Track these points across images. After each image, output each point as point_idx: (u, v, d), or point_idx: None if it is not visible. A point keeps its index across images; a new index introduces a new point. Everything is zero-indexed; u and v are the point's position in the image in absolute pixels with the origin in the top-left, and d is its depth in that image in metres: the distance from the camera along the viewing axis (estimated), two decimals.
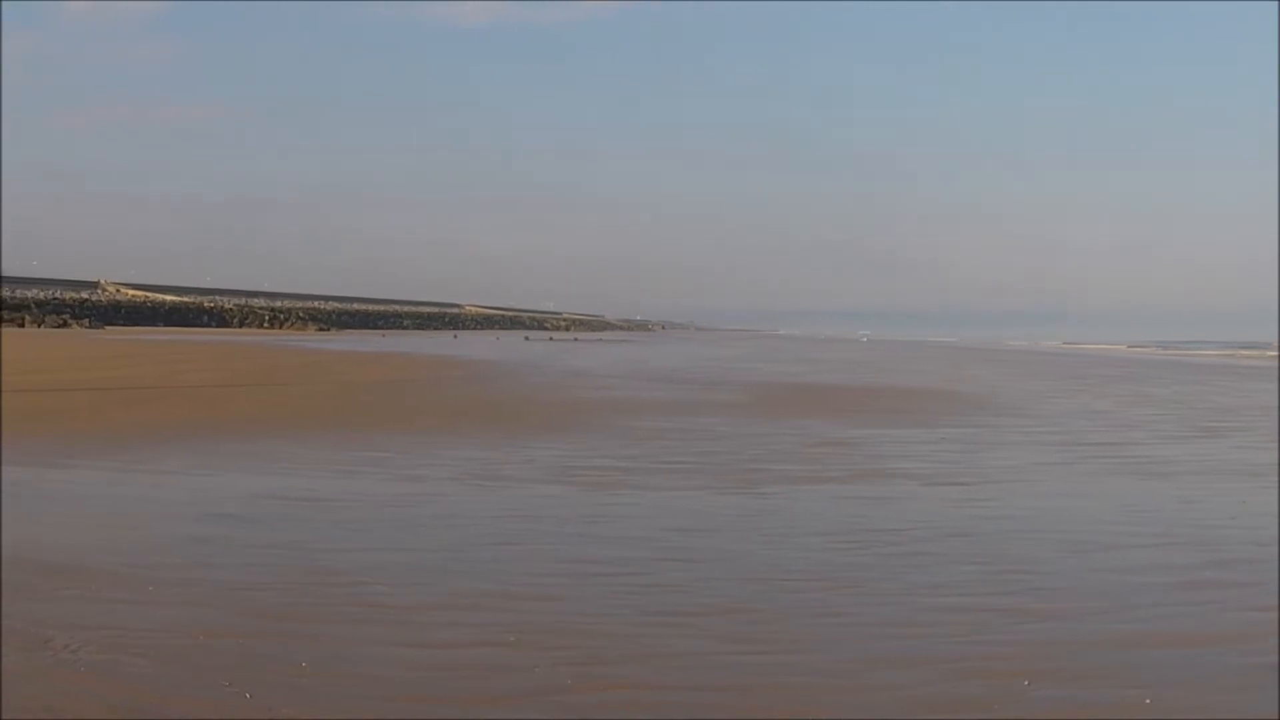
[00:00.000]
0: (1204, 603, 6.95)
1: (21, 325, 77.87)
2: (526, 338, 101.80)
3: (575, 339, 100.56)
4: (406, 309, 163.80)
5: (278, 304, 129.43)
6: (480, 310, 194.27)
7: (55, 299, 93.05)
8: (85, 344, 49.35)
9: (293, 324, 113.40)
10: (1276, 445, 17.19)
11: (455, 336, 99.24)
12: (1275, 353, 76.32)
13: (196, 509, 9.79)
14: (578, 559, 7.97)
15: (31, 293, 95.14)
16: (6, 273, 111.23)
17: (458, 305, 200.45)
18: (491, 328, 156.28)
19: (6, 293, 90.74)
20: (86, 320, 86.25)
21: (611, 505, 10.38)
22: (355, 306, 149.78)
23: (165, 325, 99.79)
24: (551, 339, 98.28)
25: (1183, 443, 17.40)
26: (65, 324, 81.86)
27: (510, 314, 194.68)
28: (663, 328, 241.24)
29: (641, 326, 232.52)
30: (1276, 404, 27.13)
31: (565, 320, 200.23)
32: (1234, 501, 11.24)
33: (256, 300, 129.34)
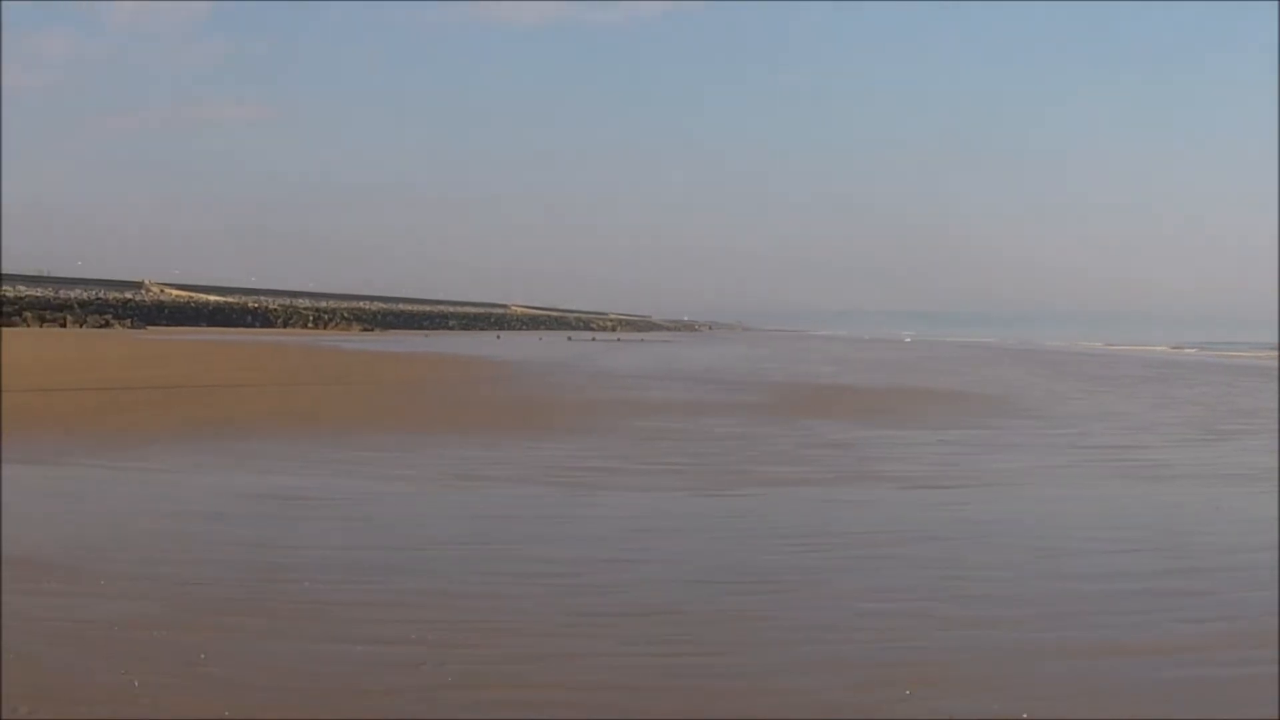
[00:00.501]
0: (1154, 611, 6.89)
1: (64, 325, 78.77)
2: (569, 338, 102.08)
3: (618, 339, 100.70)
4: (452, 309, 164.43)
5: (322, 304, 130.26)
6: (526, 310, 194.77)
7: (99, 299, 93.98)
8: (119, 344, 49.93)
9: (337, 324, 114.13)
10: (1278, 448, 17.10)
11: (498, 337, 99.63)
12: None
13: (174, 507, 9.97)
14: (529, 558, 8.06)
15: (75, 293, 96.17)
16: (52, 273, 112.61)
17: (503, 305, 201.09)
18: (537, 328, 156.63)
19: (50, 293, 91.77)
20: (129, 320, 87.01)
21: (585, 506, 10.47)
22: (400, 307, 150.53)
23: (209, 325, 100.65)
24: (594, 339, 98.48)
25: (1190, 446, 17.32)
26: (107, 324, 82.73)
27: (556, 314, 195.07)
28: (709, 328, 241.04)
29: (688, 327, 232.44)
30: None
31: (611, 321, 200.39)
32: (1218, 507, 11.15)
33: (301, 300, 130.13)
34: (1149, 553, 8.71)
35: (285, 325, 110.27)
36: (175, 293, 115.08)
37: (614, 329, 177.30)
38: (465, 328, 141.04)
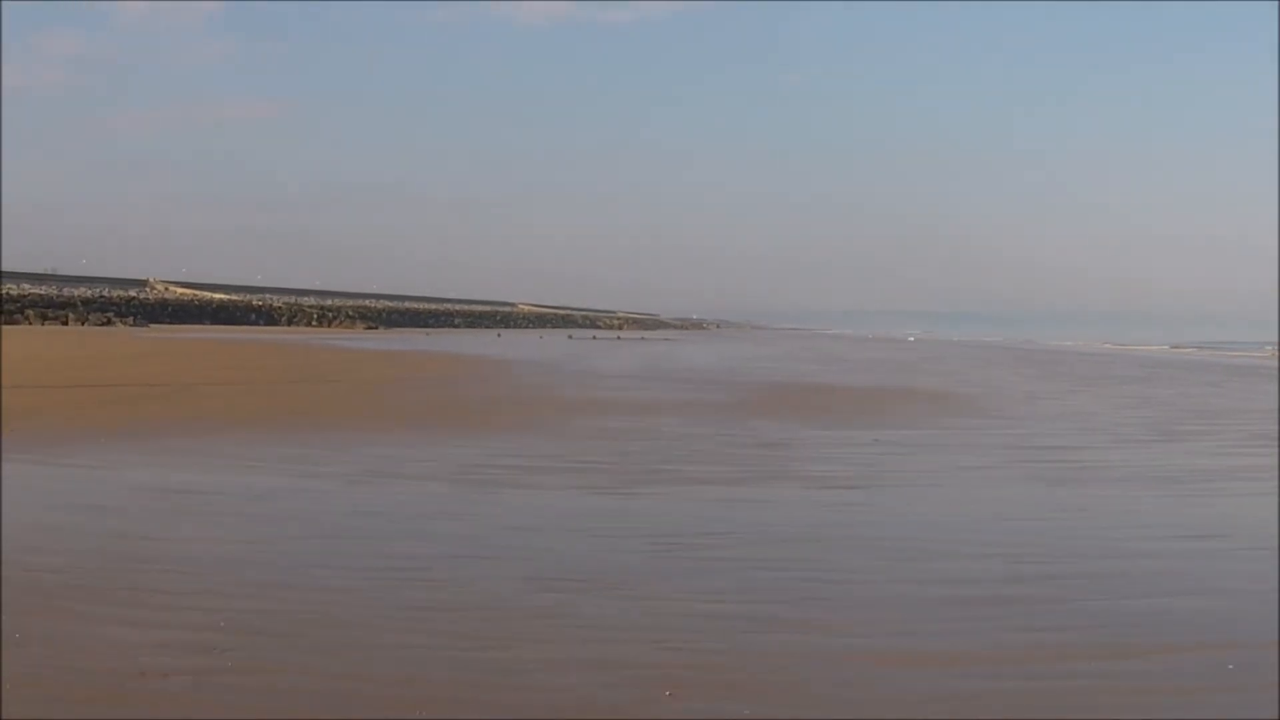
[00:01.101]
0: (986, 619, 6.81)
1: (65, 323, 79.10)
2: (570, 336, 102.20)
3: (619, 338, 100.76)
4: (459, 307, 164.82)
5: (328, 302, 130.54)
6: (533, 309, 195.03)
7: (102, 297, 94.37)
8: (110, 342, 50.19)
9: (341, 322, 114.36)
10: (1236, 448, 17.12)
11: (499, 335, 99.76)
12: None
13: (65, 499, 10.12)
14: (386, 554, 8.20)
15: (80, 291, 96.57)
16: (57, 271, 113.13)
17: (511, 304, 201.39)
18: (544, 326, 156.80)
19: (53, 291, 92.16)
20: (131, 318, 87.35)
21: (476, 504, 10.60)
22: (407, 305, 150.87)
23: (212, 323, 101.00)
24: (595, 338, 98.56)
25: (1134, 447, 17.33)
26: (109, 322, 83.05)
27: (563, 313, 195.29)
28: (717, 327, 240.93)
29: (696, 326, 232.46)
30: (1274, 406, 26.94)
31: (619, 319, 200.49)
32: (1126, 509, 11.20)
33: (306, 299, 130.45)
34: (1015, 558, 8.65)
35: (290, 324, 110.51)
36: (180, 291, 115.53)
37: (620, 327, 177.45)
38: (471, 325, 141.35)
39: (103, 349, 42.56)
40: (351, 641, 5.99)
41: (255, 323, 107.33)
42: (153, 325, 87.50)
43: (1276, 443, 17.97)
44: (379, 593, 7.04)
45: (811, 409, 23.13)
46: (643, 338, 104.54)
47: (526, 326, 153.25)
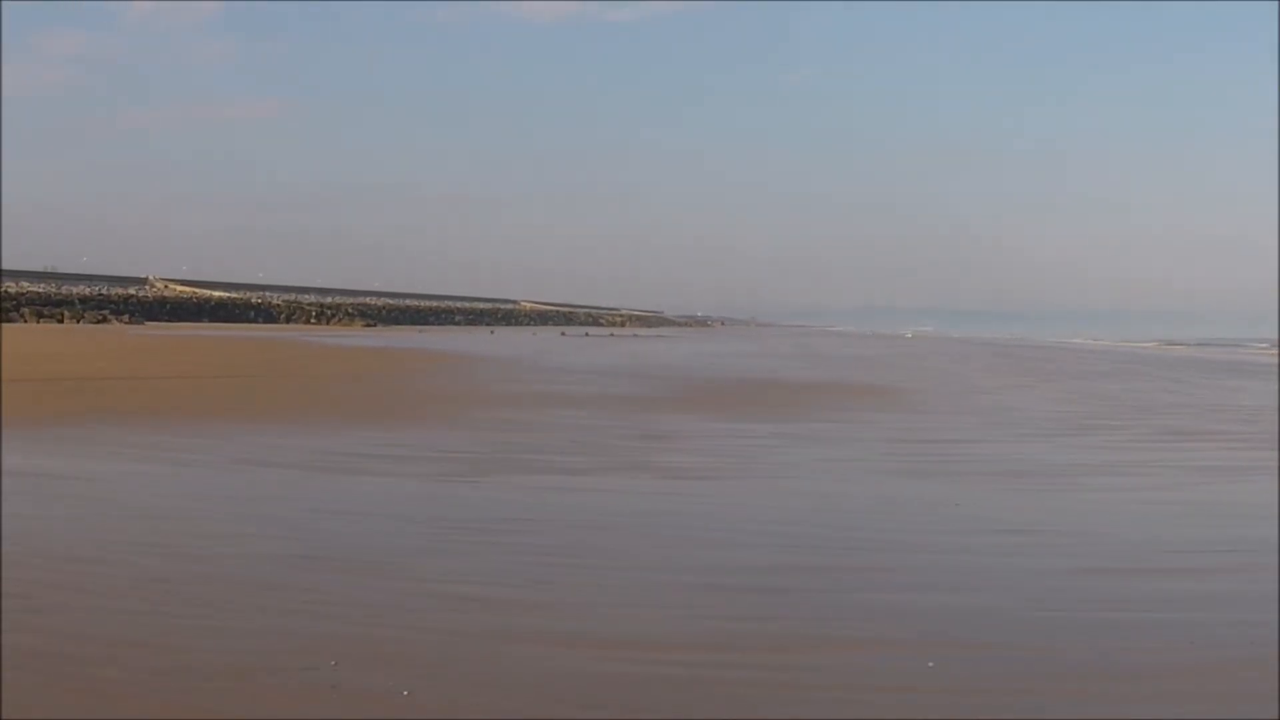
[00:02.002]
0: (711, 608, 6.97)
1: (61, 321, 79.53)
2: (563, 333, 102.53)
3: (612, 334, 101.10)
4: (460, 305, 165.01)
5: (328, 300, 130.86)
6: (535, 306, 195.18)
7: (100, 295, 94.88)
8: (93, 339, 50.66)
9: (340, 320, 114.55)
10: (1134, 443, 17.33)
11: (492, 333, 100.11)
12: None
13: None
14: (185, 532, 8.70)
15: (78, 289, 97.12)
16: (58, 269, 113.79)
17: (513, 301, 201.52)
18: (545, 323, 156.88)
19: (52, 289, 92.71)
20: (127, 316, 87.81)
21: (307, 488, 11.12)
22: (407, 303, 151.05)
23: (211, 321, 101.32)
24: (587, 335, 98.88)
25: (1031, 441, 17.51)
26: (105, 320, 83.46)
27: (566, 310, 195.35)
28: (721, 324, 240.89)
29: (699, 323, 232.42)
30: (1221, 401, 27.31)
31: (621, 317, 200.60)
32: (959, 502, 11.33)
33: (306, 296, 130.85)
34: (797, 549, 8.68)
35: (288, 321, 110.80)
36: (179, 289, 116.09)
37: (622, 324, 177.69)
38: (471, 323, 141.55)
39: (78, 346, 43.02)
40: (93, 607, 6.49)
41: (254, 320, 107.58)
42: (149, 323, 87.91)
43: (1182, 438, 18.21)
44: (147, 567, 7.50)
45: (737, 403, 23.55)
46: (635, 335, 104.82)
47: (527, 324, 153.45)
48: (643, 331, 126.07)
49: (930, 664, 5.91)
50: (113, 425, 16.02)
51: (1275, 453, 15.95)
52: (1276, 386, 34.66)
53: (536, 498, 10.98)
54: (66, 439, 14.38)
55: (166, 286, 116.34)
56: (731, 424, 18.89)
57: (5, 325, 67.76)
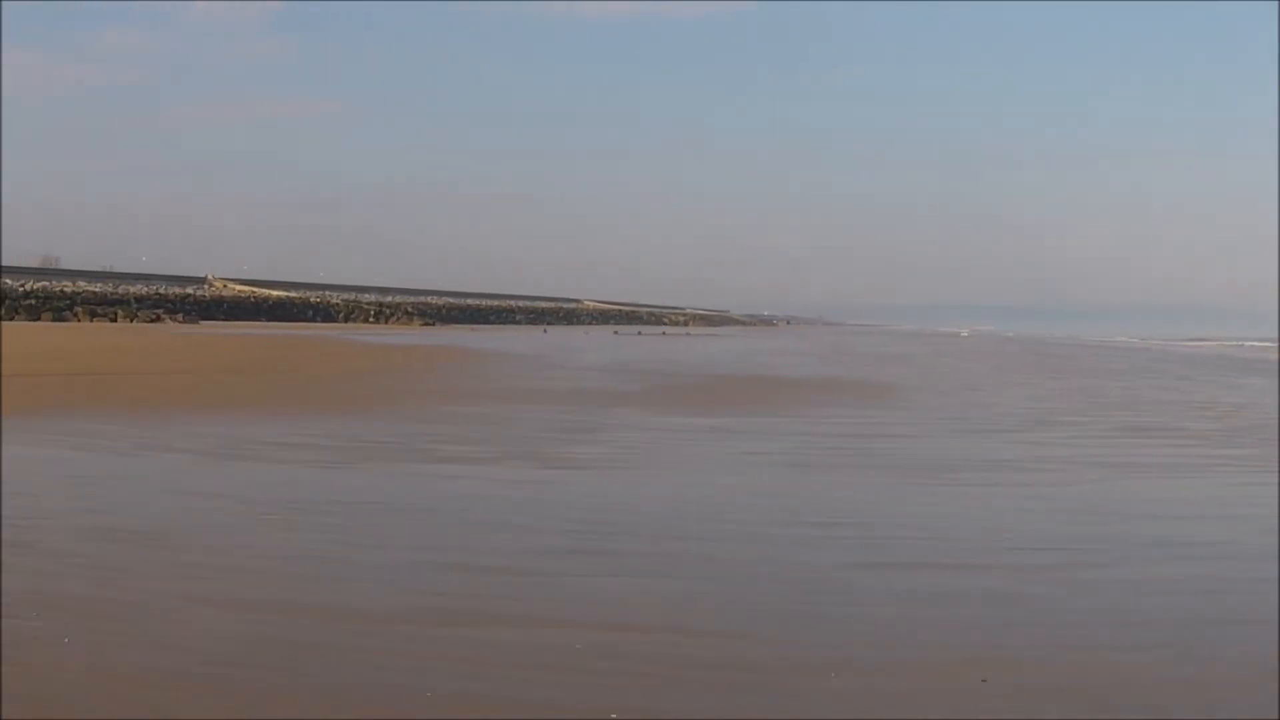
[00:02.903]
0: (398, 584, 7.31)
1: (114, 320, 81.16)
2: (615, 332, 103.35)
3: (664, 333, 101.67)
4: (522, 304, 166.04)
5: (388, 299, 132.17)
6: (598, 305, 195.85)
7: (157, 294, 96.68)
8: (129, 336, 51.96)
9: (398, 319, 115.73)
10: (1080, 440, 17.41)
11: (545, 331, 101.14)
12: None
13: None
14: (35, 510, 9.30)
15: (135, 288, 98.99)
16: (115, 269, 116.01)
17: (577, 300, 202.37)
18: (606, 322, 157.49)
19: (108, 288, 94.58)
20: (180, 316, 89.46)
21: (178, 472, 11.75)
22: (468, 302, 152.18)
23: (268, 320, 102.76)
24: (640, 333, 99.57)
25: (974, 436, 17.48)
26: (158, 319, 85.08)
27: (629, 309, 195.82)
28: (786, 323, 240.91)
29: (765, 322, 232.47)
30: (1210, 398, 27.34)
31: (685, 316, 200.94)
32: (823, 495, 11.48)
33: (367, 296, 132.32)
34: (579, 534, 9.03)
35: (347, 320, 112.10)
36: (238, 288, 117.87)
37: (686, 324, 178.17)
38: (533, 322, 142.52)
39: (95, 342, 44.09)
40: None
41: (312, 319, 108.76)
42: (203, 322, 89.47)
43: (1139, 434, 18.21)
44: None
45: (705, 399, 23.95)
46: (688, 334, 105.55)
47: (589, 323, 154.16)
48: (698, 330, 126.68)
49: (579, 646, 6.10)
50: (65, 416, 16.74)
51: (1224, 450, 15.98)
52: (1277, 383, 34.49)
53: (389, 484, 11.46)
54: (14, 428, 15.04)
55: (225, 286, 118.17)
56: (677, 418, 19.25)
57: (56, 324, 69.41)
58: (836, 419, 19.83)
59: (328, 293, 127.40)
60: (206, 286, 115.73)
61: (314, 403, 20.64)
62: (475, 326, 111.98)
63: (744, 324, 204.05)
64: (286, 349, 43.65)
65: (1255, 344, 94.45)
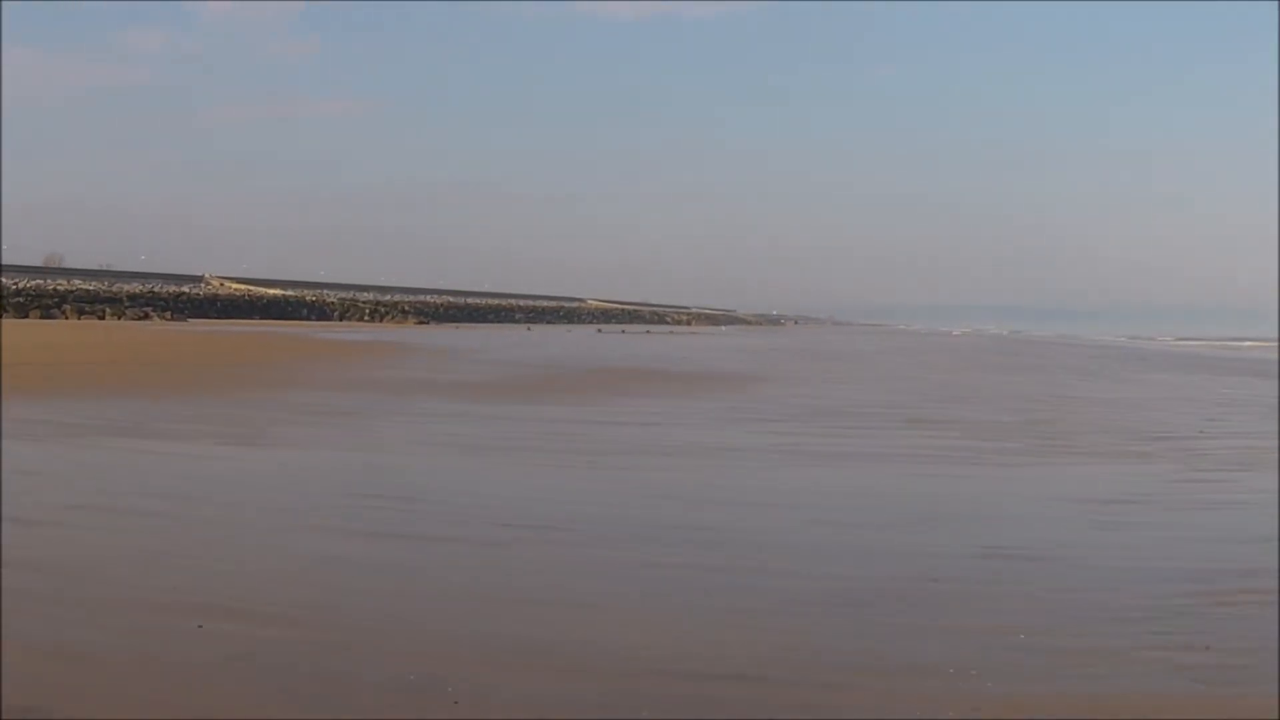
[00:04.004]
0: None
1: (102, 317, 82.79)
2: (599, 330, 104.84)
3: (648, 331, 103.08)
4: (523, 303, 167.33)
5: (387, 298, 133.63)
6: (600, 304, 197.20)
7: (151, 292, 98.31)
8: (97, 333, 53.56)
9: (394, 318, 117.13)
10: (850, 431, 18.51)
11: (529, 330, 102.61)
12: None
13: None
14: None
15: (131, 286, 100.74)
16: (113, 267, 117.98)
17: (579, 299, 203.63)
18: (608, 321, 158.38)
19: (102, 286, 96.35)
20: (169, 314, 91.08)
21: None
22: (469, 301, 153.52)
23: (262, 318, 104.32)
24: (624, 331, 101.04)
25: (758, 426, 18.25)
26: (146, 316, 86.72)
27: (631, 308, 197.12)
28: (795, 322, 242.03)
29: (772, 322, 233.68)
30: (1112, 396, 28.58)
31: (687, 315, 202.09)
32: (519, 476, 12.65)
33: (365, 294, 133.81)
34: (168, 497, 10.32)
35: (342, 319, 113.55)
36: (234, 286, 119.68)
37: (688, 322, 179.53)
38: (532, 320, 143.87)
39: (69, 338, 45.61)
40: None
41: (307, 318, 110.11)
42: (193, 320, 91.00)
43: (917, 426, 19.03)
44: None
45: (544, 389, 25.24)
46: (672, 332, 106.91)
47: (589, 321, 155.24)
48: (693, 329, 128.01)
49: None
50: None
51: (972, 443, 16.38)
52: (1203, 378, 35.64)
53: (71, 453, 13.11)
54: None
55: (222, 284, 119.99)
56: (474, 405, 20.43)
57: (41, 321, 71.23)
58: (623, 409, 20.85)
59: (326, 292, 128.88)
60: (203, 285, 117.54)
61: (163, 387, 22.16)
62: (462, 325, 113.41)
63: (748, 323, 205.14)
64: (232, 344, 45.18)
65: (1251, 343, 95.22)
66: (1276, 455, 14.76)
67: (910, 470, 13.40)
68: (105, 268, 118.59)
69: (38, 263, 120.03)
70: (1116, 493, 11.71)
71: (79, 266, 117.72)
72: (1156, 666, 5.83)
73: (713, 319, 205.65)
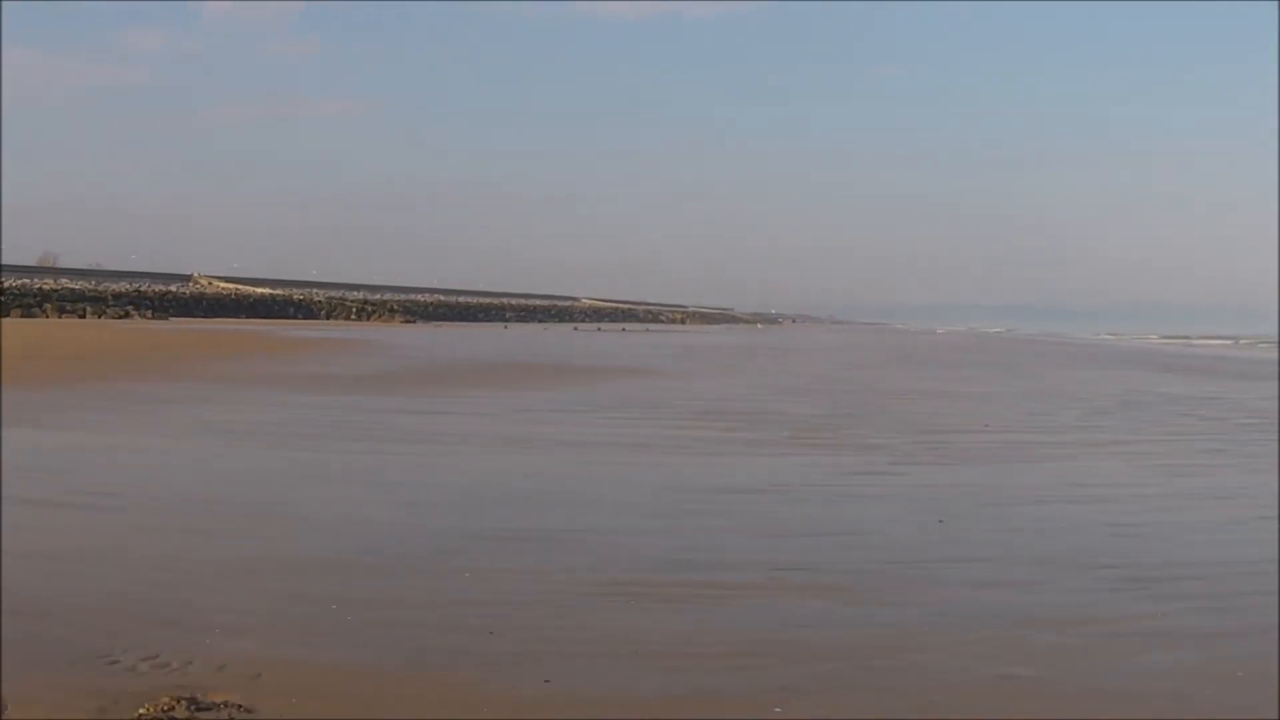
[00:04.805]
0: None
1: (83, 316, 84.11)
2: (575, 329, 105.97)
3: (623, 329, 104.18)
4: (515, 301, 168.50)
5: (376, 297, 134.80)
6: (594, 303, 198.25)
7: (137, 292, 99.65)
8: (60, 330, 54.85)
9: (381, 316, 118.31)
10: (619, 420, 19.97)
11: (506, 328, 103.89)
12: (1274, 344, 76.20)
13: None
14: None
15: (119, 285, 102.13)
16: (106, 266, 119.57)
17: (573, 298, 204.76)
18: (600, 320, 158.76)
19: (88, 286, 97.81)
20: (149, 312, 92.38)
21: None
22: (460, 299, 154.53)
23: (248, 317, 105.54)
24: (599, 329, 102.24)
25: (563, 415, 19.59)
26: (126, 315, 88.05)
27: (625, 307, 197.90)
28: (793, 322, 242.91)
29: (769, 321, 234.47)
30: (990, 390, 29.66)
31: (682, 314, 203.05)
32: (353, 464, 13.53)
33: (355, 293, 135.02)
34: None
35: (329, 318, 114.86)
36: (222, 285, 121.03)
37: (682, 321, 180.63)
38: (522, 320, 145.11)
39: (22, 336, 46.89)
40: None
41: (294, 317, 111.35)
42: (174, 319, 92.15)
43: (709, 418, 20.22)
44: None
45: (430, 383, 26.46)
46: (647, 329, 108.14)
47: (584, 320, 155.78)
48: (676, 327, 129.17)
49: None
50: None
51: (735, 434, 16.86)
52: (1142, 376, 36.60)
53: None
54: None
55: (210, 283, 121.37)
56: (317, 396, 21.50)
57: (22, 320, 72.69)
58: (458, 400, 21.74)
59: (314, 291, 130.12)
60: (191, 284, 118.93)
61: (29, 378, 23.41)
62: (445, 324, 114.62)
63: (744, 322, 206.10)
64: (172, 339, 46.36)
65: (1246, 342, 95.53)
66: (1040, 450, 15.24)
67: (585, 457, 14.00)
68: (95, 267, 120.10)
69: (32, 262, 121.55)
70: (754, 483, 11.88)
71: (73, 266, 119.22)
72: None
73: (708, 318, 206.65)
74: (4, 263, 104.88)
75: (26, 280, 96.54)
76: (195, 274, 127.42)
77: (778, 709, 5.31)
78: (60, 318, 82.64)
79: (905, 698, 5.47)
